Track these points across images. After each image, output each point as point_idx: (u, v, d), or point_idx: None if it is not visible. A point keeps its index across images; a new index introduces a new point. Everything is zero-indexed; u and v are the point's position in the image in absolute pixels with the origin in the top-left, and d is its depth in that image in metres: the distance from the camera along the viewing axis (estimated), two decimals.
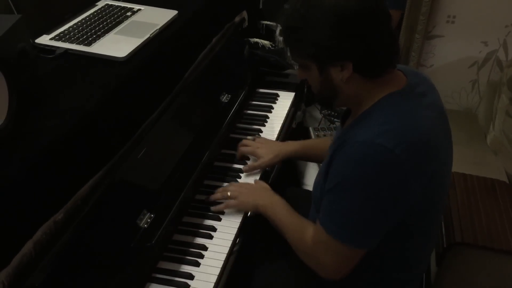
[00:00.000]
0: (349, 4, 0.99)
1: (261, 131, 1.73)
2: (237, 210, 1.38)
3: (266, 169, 1.57)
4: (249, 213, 1.40)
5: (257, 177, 1.53)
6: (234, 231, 1.34)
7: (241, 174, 1.53)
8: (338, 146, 1.08)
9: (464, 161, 2.13)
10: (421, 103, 1.10)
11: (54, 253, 0.96)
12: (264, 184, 1.44)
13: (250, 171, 1.54)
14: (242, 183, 1.45)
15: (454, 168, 1.95)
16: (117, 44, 1.35)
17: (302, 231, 1.21)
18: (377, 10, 1.02)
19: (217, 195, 1.41)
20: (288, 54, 2.00)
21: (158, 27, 1.46)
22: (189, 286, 1.19)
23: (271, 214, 1.30)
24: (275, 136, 1.71)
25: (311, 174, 2.28)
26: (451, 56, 2.57)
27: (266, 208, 1.32)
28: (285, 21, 1.08)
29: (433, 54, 2.60)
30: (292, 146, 1.59)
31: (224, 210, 1.39)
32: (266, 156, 1.53)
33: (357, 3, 0.99)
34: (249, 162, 1.57)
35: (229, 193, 1.38)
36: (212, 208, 1.38)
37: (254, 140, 1.61)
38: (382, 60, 1.06)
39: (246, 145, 1.58)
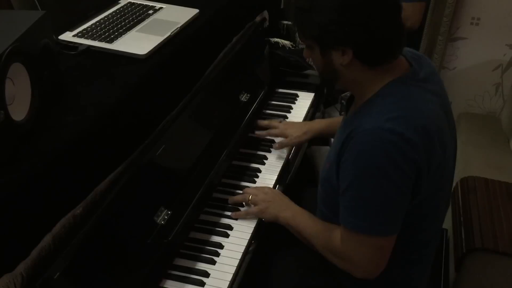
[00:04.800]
0: None
1: None
2: (256, 217, 1.37)
3: (288, 159, 1.60)
4: None
5: (274, 179, 1.52)
6: (251, 230, 1.34)
7: (258, 174, 1.53)
8: (346, 137, 1.08)
9: (486, 165, 2.09)
10: (424, 89, 1.11)
11: (72, 246, 0.97)
12: (281, 193, 1.42)
13: (280, 148, 1.60)
14: (262, 188, 1.43)
15: (476, 173, 1.92)
16: (138, 42, 1.36)
17: (329, 235, 1.20)
18: (384, 1, 1.03)
19: (237, 197, 1.40)
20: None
21: (179, 25, 1.46)
22: (205, 283, 1.19)
23: (293, 225, 1.30)
24: None
25: None
26: (474, 58, 2.53)
27: (287, 219, 1.31)
28: (296, 1, 1.11)
29: (456, 56, 2.56)
30: (319, 124, 1.64)
31: (242, 209, 1.39)
32: (295, 134, 1.59)
33: None
34: (277, 140, 1.62)
35: (250, 197, 1.38)
36: (232, 214, 1.37)
37: (280, 122, 1.66)
38: (383, 51, 1.07)
39: (274, 127, 1.63)
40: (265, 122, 1.68)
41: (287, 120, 1.76)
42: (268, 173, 1.54)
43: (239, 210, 1.38)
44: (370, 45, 1.05)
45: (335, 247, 1.17)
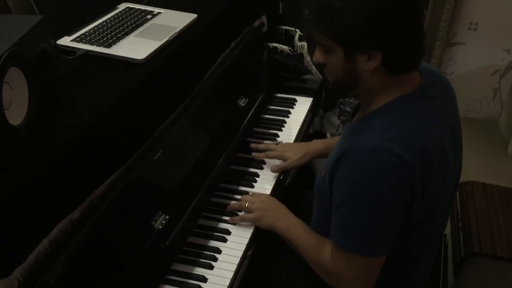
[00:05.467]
0: None
1: (278, 136, 1.73)
2: (252, 224, 1.36)
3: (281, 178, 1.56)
4: None
5: (272, 183, 1.52)
6: (249, 235, 1.34)
7: (257, 178, 1.53)
8: (343, 153, 1.05)
9: (485, 170, 2.09)
10: (431, 108, 1.08)
11: (69, 251, 0.97)
12: (278, 202, 1.40)
13: (279, 171, 1.54)
14: (259, 196, 1.42)
15: (474, 177, 1.93)
16: (136, 46, 1.36)
17: (319, 250, 1.18)
18: (417, 3, 1.01)
19: (234, 205, 1.40)
20: (305, 56, 2.00)
21: (177, 30, 1.47)
22: None
23: (287, 236, 1.28)
24: (292, 141, 1.71)
25: None
26: (472, 63, 2.54)
27: (282, 229, 1.30)
28: None
29: (454, 61, 2.57)
30: (318, 145, 1.59)
31: (240, 214, 1.39)
32: (295, 157, 1.54)
33: None
34: (277, 163, 1.57)
35: (246, 205, 1.37)
36: (229, 219, 1.37)
37: (277, 145, 1.61)
38: (409, 57, 1.04)
39: (271, 150, 1.58)
40: (261, 146, 1.61)
41: (278, 139, 1.72)
42: (266, 177, 1.54)
43: (237, 215, 1.38)
44: (399, 51, 1.01)
45: (324, 262, 1.16)
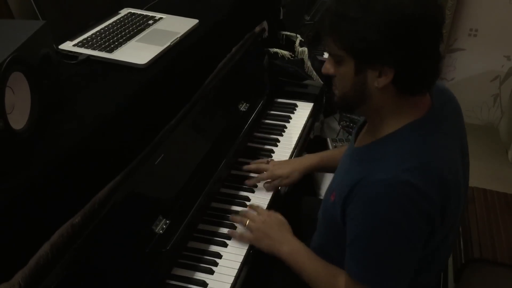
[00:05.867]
0: (414, 7, 0.92)
1: (279, 141, 1.73)
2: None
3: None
4: None
5: (271, 193, 1.50)
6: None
7: (257, 184, 1.53)
8: (356, 184, 1.01)
9: (485, 176, 2.10)
10: (443, 132, 1.05)
11: (70, 255, 0.97)
12: (283, 220, 1.34)
13: (273, 190, 1.50)
14: (262, 213, 1.36)
15: (474, 183, 1.93)
16: (138, 51, 1.36)
17: (332, 282, 1.14)
18: (438, 24, 0.96)
19: (236, 218, 1.37)
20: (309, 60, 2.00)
21: (179, 35, 1.47)
22: None
23: (291, 262, 1.24)
24: (293, 146, 1.71)
25: (326, 183, 2.27)
26: (472, 69, 2.55)
27: (284, 255, 1.25)
28: (338, 5, 0.97)
29: (454, 67, 2.58)
30: (310, 160, 1.54)
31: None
32: (286, 174, 1.50)
33: (422, 9, 0.93)
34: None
35: (247, 222, 1.32)
36: (228, 231, 1.35)
37: (268, 163, 1.56)
38: (422, 78, 0.99)
39: (262, 169, 1.53)
40: (252, 166, 1.55)
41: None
42: (262, 187, 1.52)
43: (236, 227, 1.36)
44: (412, 71, 0.96)
45: None
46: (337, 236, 1.12)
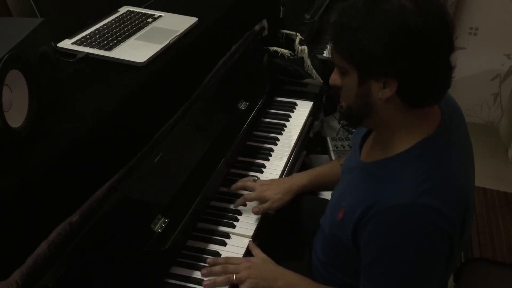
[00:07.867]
0: (417, 18, 0.89)
1: (278, 140, 1.73)
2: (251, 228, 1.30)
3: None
4: (262, 220, 1.39)
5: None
6: (248, 239, 1.33)
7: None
8: (369, 207, 0.98)
9: (485, 175, 2.09)
10: (456, 144, 1.03)
11: (68, 254, 0.97)
12: (264, 257, 1.27)
13: (261, 213, 1.39)
14: (240, 261, 1.25)
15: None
16: (137, 50, 1.36)
17: None
18: (444, 36, 0.93)
19: (219, 281, 1.19)
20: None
21: (178, 33, 1.47)
22: None
23: None
24: (292, 144, 1.71)
25: None
26: (472, 68, 2.55)
27: None
28: (340, 16, 0.95)
29: (454, 66, 2.57)
30: (301, 179, 1.45)
31: (239, 218, 1.38)
32: (276, 196, 1.39)
33: (425, 18, 0.90)
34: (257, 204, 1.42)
35: (235, 277, 1.19)
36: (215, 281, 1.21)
37: (255, 182, 1.47)
38: (429, 90, 0.95)
39: (250, 189, 1.44)
40: (238, 185, 1.45)
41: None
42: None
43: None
44: (417, 81, 0.93)
45: None
46: (342, 254, 1.10)
